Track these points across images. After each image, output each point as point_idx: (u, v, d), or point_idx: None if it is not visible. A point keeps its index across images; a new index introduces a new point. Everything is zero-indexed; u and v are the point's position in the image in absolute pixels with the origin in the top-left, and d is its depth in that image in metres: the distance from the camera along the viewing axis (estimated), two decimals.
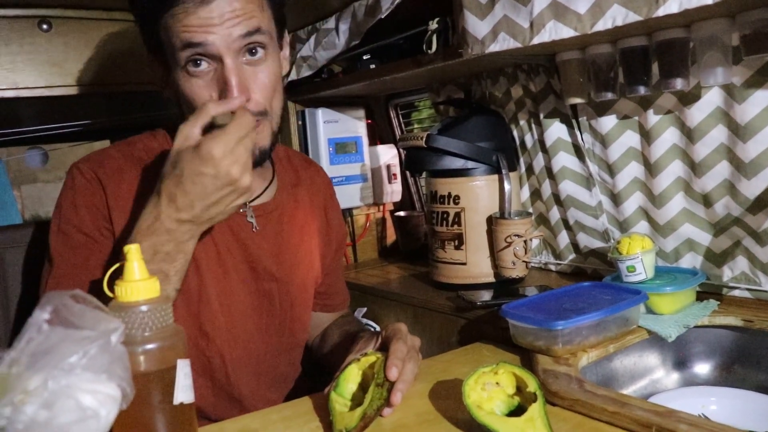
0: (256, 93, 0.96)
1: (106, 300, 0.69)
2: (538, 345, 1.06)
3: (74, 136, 1.87)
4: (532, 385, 0.85)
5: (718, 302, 1.20)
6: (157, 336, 0.69)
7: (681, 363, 1.19)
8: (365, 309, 1.66)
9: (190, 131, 0.86)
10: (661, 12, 0.97)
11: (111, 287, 0.70)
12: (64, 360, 0.53)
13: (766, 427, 0.99)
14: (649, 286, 1.18)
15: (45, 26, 1.50)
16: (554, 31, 1.11)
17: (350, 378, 0.94)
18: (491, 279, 1.51)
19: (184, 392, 0.71)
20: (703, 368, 1.19)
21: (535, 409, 0.82)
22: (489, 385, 0.88)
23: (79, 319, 0.56)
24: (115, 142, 1.10)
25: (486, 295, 1.40)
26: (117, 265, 0.72)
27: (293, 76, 1.77)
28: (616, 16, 1.03)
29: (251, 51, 0.95)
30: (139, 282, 0.70)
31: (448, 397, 0.97)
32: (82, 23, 1.55)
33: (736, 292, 1.25)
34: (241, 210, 1.10)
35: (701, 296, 1.23)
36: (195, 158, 0.83)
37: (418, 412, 0.93)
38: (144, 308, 0.69)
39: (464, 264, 1.52)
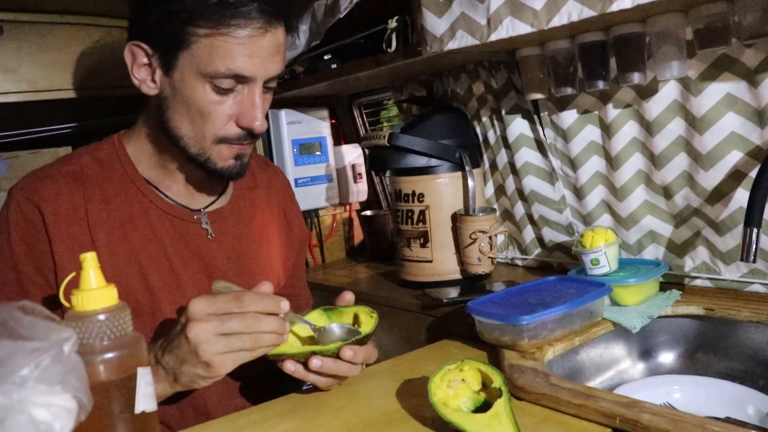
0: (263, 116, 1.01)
1: None
2: (504, 340, 1.07)
3: (36, 143, 1.83)
4: (497, 381, 0.85)
5: (681, 292, 1.22)
6: (115, 344, 0.68)
7: (646, 353, 1.21)
8: None
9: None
10: (615, 7, 0.98)
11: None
12: (15, 373, 0.51)
13: (728, 413, 1.00)
14: (613, 279, 1.19)
15: None
16: (511, 28, 1.12)
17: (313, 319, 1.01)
18: (458, 276, 1.52)
19: (145, 401, 0.70)
20: (667, 357, 1.20)
21: (501, 405, 0.82)
22: (455, 382, 0.88)
23: (29, 330, 0.54)
24: (61, 156, 1.07)
25: (452, 292, 1.40)
26: (73, 275, 0.71)
27: None
28: (572, 12, 1.04)
29: (268, 87, 1.00)
30: (96, 291, 0.69)
31: (415, 395, 0.97)
32: (36, 27, 1.51)
33: (698, 282, 1.27)
34: (195, 217, 1.08)
35: (664, 287, 1.25)
36: (186, 309, 0.86)
37: (386, 411, 0.93)
38: (102, 317, 0.68)
39: (430, 262, 1.52)
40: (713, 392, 1.07)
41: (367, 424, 0.89)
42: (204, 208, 1.10)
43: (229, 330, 0.84)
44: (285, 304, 0.88)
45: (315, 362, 0.92)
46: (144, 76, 0.98)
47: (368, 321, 0.99)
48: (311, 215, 2.03)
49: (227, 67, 0.92)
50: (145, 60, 0.97)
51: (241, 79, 0.95)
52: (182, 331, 0.84)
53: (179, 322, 0.86)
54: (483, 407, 0.86)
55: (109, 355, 0.67)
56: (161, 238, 1.04)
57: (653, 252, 1.34)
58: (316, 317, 1.02)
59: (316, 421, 0.92)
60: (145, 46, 0.96)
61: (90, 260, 0.70)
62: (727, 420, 0.98)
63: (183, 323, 0.85)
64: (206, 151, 0.99)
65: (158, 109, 1.00)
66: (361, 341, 0.96)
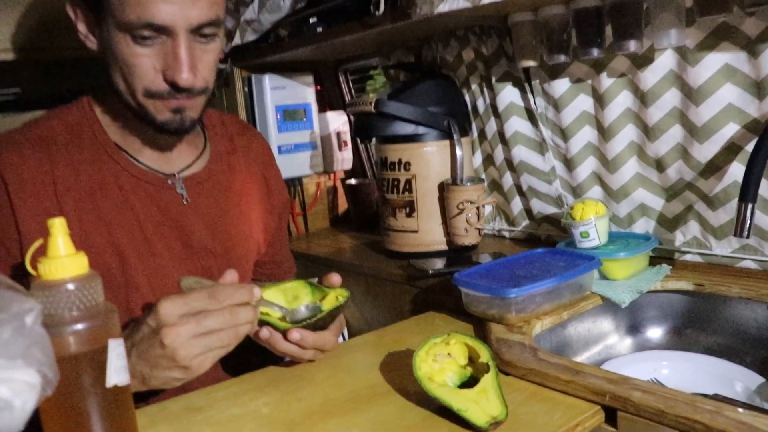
0: (203, 71, 0.94)
1: None
2: (491, 313, 1.04)
3: (6, 105, 1.77)
4: (484, 356, 0.83)
5: (671, 267, 1.20)
6: (85, 315, 0.64)
7: (634, 328, 1.19)
8: (316, 280, 1.62)
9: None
10: None
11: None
12: None
13: (716, 389, 0.99)
14: (603, 252, 1.17)
15: None
16: None
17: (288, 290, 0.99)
18: (444, 247, 1.49)
19: (117, 374, 0.66)
20: (655, 333, 1.19)
21: (488, 380, 0.79)
22: (441, 357, 0.86)
23: None
24: (28, 121, 1.01)
25: (438, 264, 1.38)
26: (40, 241, 0.67)
27: (237, 41, 1.70)
28: None
29: (204, 35, 0.92)
30: (65, 258, 0.65)
31: (399, 369, 0.94)
32: None
33: (688, 257, 1.24)
34: (169, 182, 1.04)
35: (654, 261, 1.23)
36: (154, 312, 0.79)
37: (369, 384, 0.90)
38: (70, 286, 0.64)
39: (416, 232, 1.49)
40: (701, 368, 1.06)
41: (349, 398, 0.87)
42: (179, 173, 1.06)
43: (207, 329, 0.79)
44: (257, 291, 0.85)
45: (263, 333, 0.90)
46: (86, 32, 0.96)
47: (330, 303, 0.95)
48: (294, 183, 1.99)
49: (138, 16, 0.86)
50: (83, 16, 0.94)
51: (159, 29, 0.88)
52: (154, 335, 0.79)
53: (146, 323, 0.80)
54: (469, 382, 0.84)
55: (79, 326, 0.64)
56: (133, 205, 1.00)
57: (643, 225, 1.31)
58: (297, 287, 0.99)
59: (297, 394, 0.89)
60: (79, 1, 0.93)
61: (58, 226, 0.65)
62: (715, 397, 0.97)
63: (153, 327, 0.79)
64: (142, 105, 0.94)
65: (105, 66, 0.96)
66: (313, 326, 0.92)
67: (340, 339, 1.51)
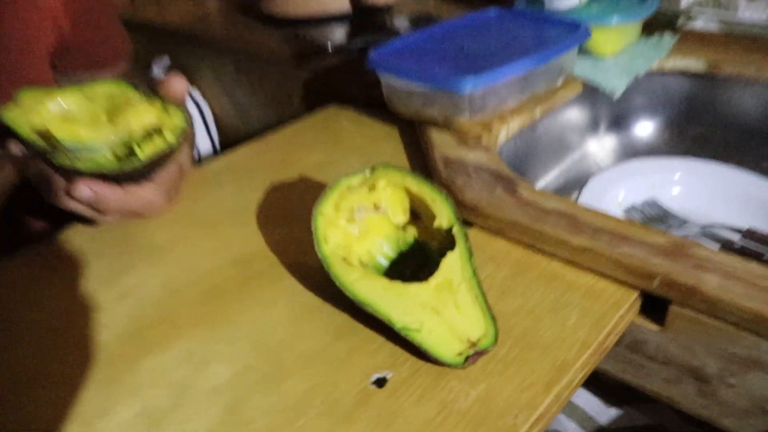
0: None
1: None
2: (430, 115, 0.68)
3: None
4: (443, 216, 0.46)
5: (675, 38, 0.85)
6: None
7: (620, 127, 0.86)
8: (166, 59, 1.18)
9: None
10: None
11: None
12: None
13: (747, 219, 0.70)
14: (586, 16, 0.80)
15: None
16: None
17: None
18: (346, 8, 1.07)
19: None
20: (645, 128, 0.86)
21: (454, 264, 0.44)
22: (361, 212, 0.49)
23: None
24: None
25: (339, 34, 1.00)
26: None
27: None
28: None
29: None
30: None
31: (287, 220, 0.57)
32: None
33: (699, 24, 0.89)
34: None
35: (649, 29, 0.87)
36: None
37: (240, 257, 0.53)
38: None
39: None
40: (719, 185, 0.76)
41: (204, 291, 0.50)
42: None
43: None
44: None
45: (31, 170, 0.52)
46: None
47: (155, 144, 0.51)
48: None
49: None
50: None
51: None
52: None
53: None
54: (413, 254, 0.48)
55: None
56: None
57: None
58: (118, 93, 0.53)
59: (118, 287, 0.51)
60: None
61: None
62: (751, 233, 0.67)
63: None
64: None
65: None
66: (117, 177, 0.51)
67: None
